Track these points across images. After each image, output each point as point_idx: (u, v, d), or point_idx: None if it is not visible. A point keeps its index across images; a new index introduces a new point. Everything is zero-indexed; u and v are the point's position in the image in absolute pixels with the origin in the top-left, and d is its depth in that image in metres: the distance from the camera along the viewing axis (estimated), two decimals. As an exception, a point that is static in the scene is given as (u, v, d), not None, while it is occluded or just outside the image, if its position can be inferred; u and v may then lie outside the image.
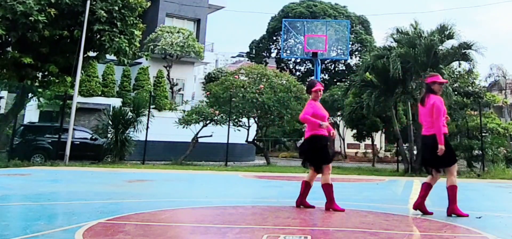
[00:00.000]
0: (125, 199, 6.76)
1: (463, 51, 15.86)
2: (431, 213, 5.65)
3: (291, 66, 39.46)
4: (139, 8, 15.92)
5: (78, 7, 14.84)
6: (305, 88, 5.90)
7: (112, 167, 14.31)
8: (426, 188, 5.74)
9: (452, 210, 5.55)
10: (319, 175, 5.90)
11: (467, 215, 5.51)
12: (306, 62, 37.37)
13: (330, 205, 5.76)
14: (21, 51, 14.51)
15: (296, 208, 5.96)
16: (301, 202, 6.04)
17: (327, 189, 5.76)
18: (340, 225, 4.93)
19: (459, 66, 17.73)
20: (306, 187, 6.05)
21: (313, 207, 5.94)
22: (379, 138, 29.48)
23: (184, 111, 20.13)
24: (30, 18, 13.57)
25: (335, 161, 26.81)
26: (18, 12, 13.55)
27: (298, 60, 38.56)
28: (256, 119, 19.82)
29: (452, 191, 5.57)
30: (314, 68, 17.57)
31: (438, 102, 5.67)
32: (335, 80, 37.31)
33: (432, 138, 5.64)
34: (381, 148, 31.03)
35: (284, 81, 19.88)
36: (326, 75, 38.39)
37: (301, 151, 6.56)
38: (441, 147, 5.51)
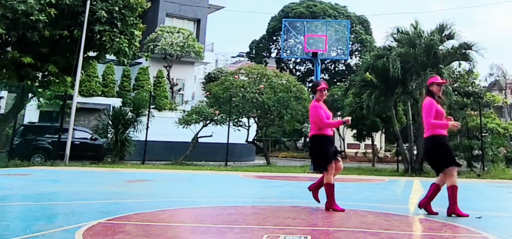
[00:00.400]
0: (125, 199, 6.75)
1: (463, 51, 15.86)
2: (436, 213, 5.64)
3: (291, 66, 39.47)
4: (139, 9, 15.92)
5: (79, 7, 14.83)
6: (310, 88, 6.03)
7: (112, 167, 14.31)
8: (434, 189, 5.75)
9: (453, 210, 5.56)
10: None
11: (467, 215, 5.51)
12: (306, 62, 37.37)
13: (330, 205, 5.76)
14: (21, 51, 14.50)
15: (296, 208, 5.96)
16: (313, 190, 6.05)
17: (328, 188, 5.77)
18: (340, 225, 4.93)
19: (459, 66, 17.77)
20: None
21: (318, 201, 5.95)
22: (379, 138, 29.48)
23: (184, 111, 20.13)
24: (31, 17, 13.57)
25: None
26: (18, 11, 13.54)
27: (298, 60, 38.56)
28: (256, 119, 19.82)
29: (452, 191, 5.57)
30: (314, 68, 17.52)
31: (427, 103, 5.74)
32: (335, 80, 37.32)
33: (428, 140, 5.70)
34: (381, 148, 31.04)
35: (284, 81, 19.88)
36: (326, 75, 38.39)
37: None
38: (452, 123, 5.67)
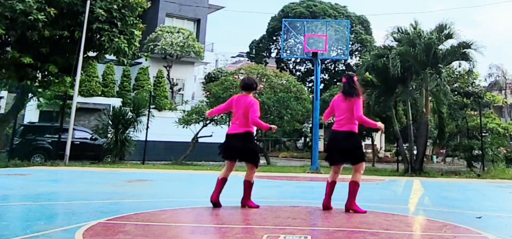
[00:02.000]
0: (125, 199, 6.75)
1: (463, 50, 15.87)
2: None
3: (291, 66, 39.45)
4: (139, 8, 15.91)
5: (78, 6, 14.81)
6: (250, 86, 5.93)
7: (112, 167, 14.30)
8: (330, 187, 5.81)
9: (350, 205, 5.62)
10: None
11: (365, 211, 5.53)
12: (306, 62, 37.35)
13: (246, 202, 5.95)
14: (20, 51, 14.48)
15: (296, 208, 5.96)
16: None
17: (249, 186, 6.00)
18: (340, 225, 4.92)
19: (459, 66, 17.78)
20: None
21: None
22: (379, 138, 29.48)
23: (184, 111, 20.14)
24: (29, 17, 13.54)
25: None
26: (17, 11, 13.51)
27: (298, 60, 38.54)
28: (256, 119, 19.80)
29: (353, 187, 5.67)
30: (314, 68, 17.53)
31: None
32: (335, 80, 37.30)
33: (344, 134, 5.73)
34: (381, 148, 31.04)
35: (284, 81, 19.87)
36: (326, 75, 38.38)
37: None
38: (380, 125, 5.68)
